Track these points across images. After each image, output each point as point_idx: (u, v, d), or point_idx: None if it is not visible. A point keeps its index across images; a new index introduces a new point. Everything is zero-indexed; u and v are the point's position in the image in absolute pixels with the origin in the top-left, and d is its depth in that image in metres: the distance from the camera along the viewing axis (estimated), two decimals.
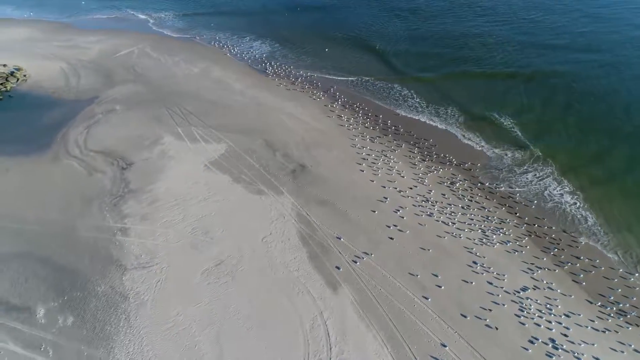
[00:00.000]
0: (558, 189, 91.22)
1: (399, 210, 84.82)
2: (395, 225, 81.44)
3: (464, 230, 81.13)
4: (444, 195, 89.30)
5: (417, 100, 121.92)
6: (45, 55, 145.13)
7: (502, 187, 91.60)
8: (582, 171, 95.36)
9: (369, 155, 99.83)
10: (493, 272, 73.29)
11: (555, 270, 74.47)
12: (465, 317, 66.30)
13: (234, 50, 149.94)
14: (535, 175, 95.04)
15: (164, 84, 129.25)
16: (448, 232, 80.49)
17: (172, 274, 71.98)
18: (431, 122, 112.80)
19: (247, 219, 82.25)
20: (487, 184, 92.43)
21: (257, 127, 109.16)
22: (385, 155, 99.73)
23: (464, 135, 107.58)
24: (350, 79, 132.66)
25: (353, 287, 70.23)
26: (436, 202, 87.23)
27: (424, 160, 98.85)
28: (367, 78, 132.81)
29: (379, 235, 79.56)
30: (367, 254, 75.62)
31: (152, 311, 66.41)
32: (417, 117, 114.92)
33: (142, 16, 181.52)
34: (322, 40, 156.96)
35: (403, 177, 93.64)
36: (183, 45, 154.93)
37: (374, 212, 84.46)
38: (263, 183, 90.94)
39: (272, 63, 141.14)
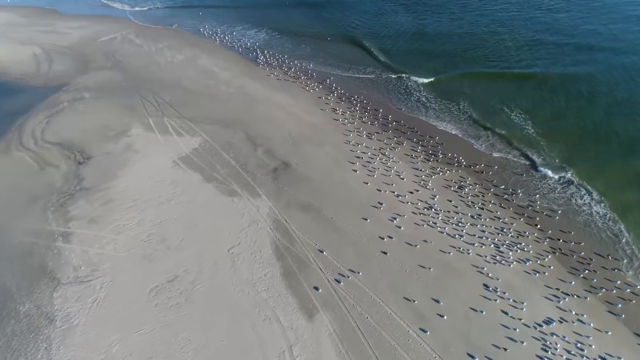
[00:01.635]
0: (586, 197, 76.70)
1: (395, 219, 70.97)
2: (390, 237, 67.60)
3: (473, 244, 66.98)
4: (451, 201, 75.22)
5: (424, 94, 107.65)
6: (21, 40, 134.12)
7: (519, 194, 77.23)
8: (614, 180, 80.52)
9: (364, 153, 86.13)
10: (509, 299, 59.05)
11: (586, 298, 59.96)
12: (473, 357, 52.25)
13: (225, 39, 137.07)
14: (559, 181, 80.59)
15: (144, 71, 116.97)
16: (454, 247, 66.40)
17: (114, 292, 58.99)
18: (438, 119, 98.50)
19: (214, 225, 69.12)
20: (502, 188, 78.15)
21: (239, 119, 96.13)
22: (384, 154, 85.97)
23: (475, 135, 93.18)
24: (349, 71, 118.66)
25: (333, 314, 56.55)
26: (441, 209, 73.18)
27: (428, 161, 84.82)
28: (369, 69, 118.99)
29: (370, 248, 65.79)
30: (354, 272, 61.89)
31: (81, 339, 53.49)
32: (422, 113, 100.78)
33: (130, 4, 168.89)
34: (323, 31, 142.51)
35: (403, 179, 79.79)
36: (170, 32, 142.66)
37: (366, 220, 70.71)
38: (238, 183, 77.77)
39: (265, 52, 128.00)
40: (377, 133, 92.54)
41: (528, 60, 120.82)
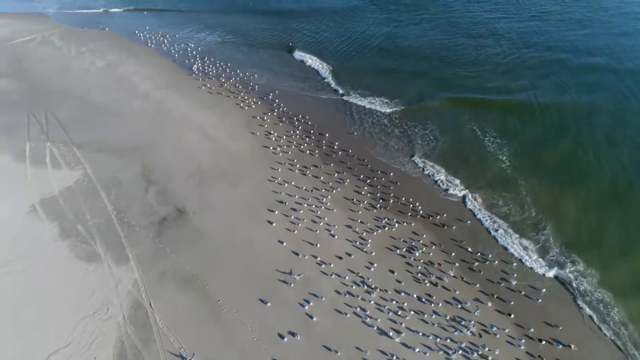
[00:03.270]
0: (582, 271, 55.33)
1: (309, 302, 49.80)
2: (293, 334, 46.40)
3: (414, 349, 45.65)
4: (393, 272, 54.08)
5: (385, 119, 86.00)
6: None
7: (493, 261, 56.18)
8: (622, 253, 58.84)
9: (290, 196, 65.16)
10: None
11: None
12: None
13: (163, 43, 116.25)
14: (546, 248, 59.27)
15: (48, 80, 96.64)
16: (385, 354, 45.10)
17: None
18: (397, 151, 77.25)
19: (43, 312, 48.10)
20: (468, 252, 56.98)
21: (141, 145, 75.51)
22: (317, 197, 64.97)
23: (442, 175, 71.57)
24: (300, 86, 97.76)
25: None
26: (376, 287, 52.12)
27: (374, 208, 63.74)
28: (324, 87, 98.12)
29: (259, 355, 44.34)
30: None
31: None
32: (378, 142, 79.56)
33: (64, 4, 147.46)
34: (283, 41, 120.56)
35: (333, 236, 58.79)
36: (100, 34, 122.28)
37: (266, 304, 49.58)
38: (104, 240, 56.82)
39: (205, 59, 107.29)
40: (315, 166, 71.65)
41: (520, 82, 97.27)
